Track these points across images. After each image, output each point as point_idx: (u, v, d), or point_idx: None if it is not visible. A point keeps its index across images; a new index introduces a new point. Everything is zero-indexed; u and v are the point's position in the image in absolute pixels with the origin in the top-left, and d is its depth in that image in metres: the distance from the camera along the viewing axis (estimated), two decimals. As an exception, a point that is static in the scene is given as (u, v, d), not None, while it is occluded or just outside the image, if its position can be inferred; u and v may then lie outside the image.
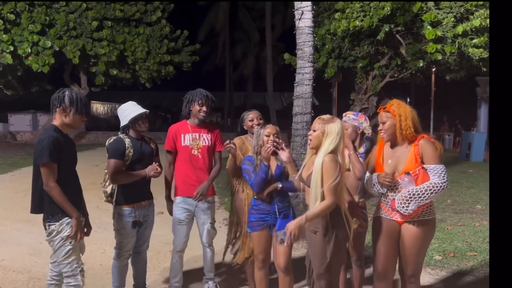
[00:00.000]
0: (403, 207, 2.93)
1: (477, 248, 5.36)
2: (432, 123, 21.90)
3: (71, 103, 2.97)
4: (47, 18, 19.17)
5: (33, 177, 2.98)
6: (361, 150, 3.58)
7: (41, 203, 2.94)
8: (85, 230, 3.21)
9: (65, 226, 2.92)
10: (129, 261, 3.83)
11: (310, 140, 2.92)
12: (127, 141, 3.61)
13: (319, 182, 2.75)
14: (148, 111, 3.70)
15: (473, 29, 8.77)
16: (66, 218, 2.92)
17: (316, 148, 2.89)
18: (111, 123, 31.23)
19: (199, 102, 3.83)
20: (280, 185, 3.37)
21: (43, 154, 2.82)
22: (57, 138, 2.90)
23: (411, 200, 2.90)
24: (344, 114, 3.66)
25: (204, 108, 3.84)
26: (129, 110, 3.66)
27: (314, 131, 2.89)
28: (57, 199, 2.86)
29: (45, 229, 2.99)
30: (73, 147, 3.17)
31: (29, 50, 18.98)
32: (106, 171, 3.65)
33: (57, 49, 19.34)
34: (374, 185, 3.17)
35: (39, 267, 4.77)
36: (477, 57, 8.94)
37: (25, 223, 6.60)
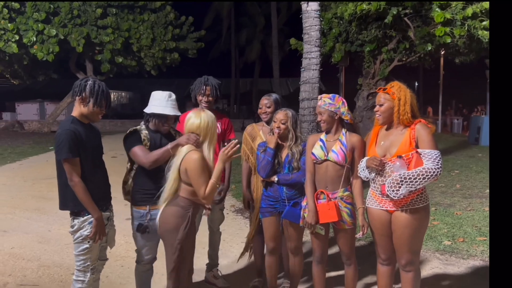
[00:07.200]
0: (393, 191, 2.79)
1: (487, 233, 5.30)
2: (441, 107, 21.72)
3: (91, 93, 2.82)
4: (51, 6, 19.12)
5: (56, 173, 2.89)
6: (341, 137, 3.16)
7: (66, 199, 2.86)
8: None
9: (87, 225, 2.85)
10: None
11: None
12: (144, 133, 3.18)
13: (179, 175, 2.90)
14: (173, 115, 3.21)
15: (483, 11, 8.59)
16: (90, 216, 2.84)
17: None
18: (118, 111, 31.29)
19: (200, 92, 3.79)
20: (277, 179, 3.38)
21: (62, 149, 2.73)
22: (75, 130, 2.77)
23: (402, 184, 2.77)
24: (319, 97, 3.28)
25: (205, 98, 3.79)
26: (155, 102, 3.20)
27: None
28: (80, 196, 2.77)
29: (71, 220, 2.92)
30: (97, 136, 3.01)
31: (34, 39, 18.99)
32: (128, 166, 3.26)
33: (62, 37, 19.31)
34: (363, 169, 3.04)
35: (48, 255, 4.80)
36: (486, 40, 8.76)
37: (34, 211, 6.65)
